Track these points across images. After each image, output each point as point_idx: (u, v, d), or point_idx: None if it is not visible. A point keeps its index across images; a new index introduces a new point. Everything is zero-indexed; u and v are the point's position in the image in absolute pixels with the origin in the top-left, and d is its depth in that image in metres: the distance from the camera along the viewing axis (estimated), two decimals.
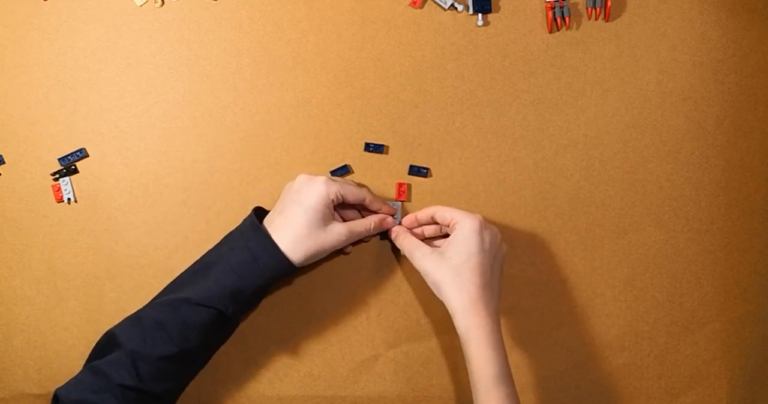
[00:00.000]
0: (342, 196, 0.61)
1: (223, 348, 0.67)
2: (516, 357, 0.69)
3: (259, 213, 0.64)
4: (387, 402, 0.68)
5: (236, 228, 0.63)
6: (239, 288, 0.59)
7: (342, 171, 0.67)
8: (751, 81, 0.69)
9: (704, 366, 0.70)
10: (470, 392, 0.60)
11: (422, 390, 0.68)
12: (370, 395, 0.68)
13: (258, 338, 0.68)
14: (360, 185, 0.67)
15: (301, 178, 0.62)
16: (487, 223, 0.62)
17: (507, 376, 0.58)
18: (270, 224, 0.61)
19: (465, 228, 0.61)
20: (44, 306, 0.68)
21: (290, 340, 0.68)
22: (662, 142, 0.69)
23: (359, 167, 0.68)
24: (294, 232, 0.60)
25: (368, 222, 0.64)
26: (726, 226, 0.70)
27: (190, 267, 0.63)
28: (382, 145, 0.68)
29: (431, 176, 0.68)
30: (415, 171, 0.68)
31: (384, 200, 0.67)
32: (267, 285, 0.61)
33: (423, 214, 0.66)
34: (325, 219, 0.61)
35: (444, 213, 0.63)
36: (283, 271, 0.60)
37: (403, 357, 0.68)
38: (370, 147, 0.67)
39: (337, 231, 0.61)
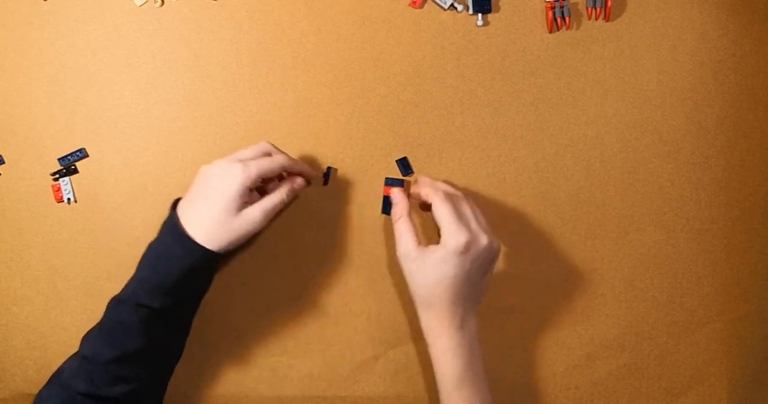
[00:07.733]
0: (260, 176, 0.59)
1: (223, 348, 0.67)
2: (516, 357, 0.69)
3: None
4: (387, 403, 0.68)
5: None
6: (157, 282, 0.58)
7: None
8: (751, 81, 0.69)
9: (704, 366, 0.70)
10: None
11: (422, 390, 0.68)
12: (370, 395, 0.68)
13: (258, 338, 0.68)
14: (277, 151, 0.64)
15: (217, 167, 0.59)
16: (479, 238, 0.59)
17: (471, 378, 0.59)
18: (183, 215, 0.59)
19: (448, 248, 0.58)
20: (44, 306, 0.68)
21: (290, 340, 0.68)
22: (662, 142, 0.69)
23: (358, 167, 0.68)
24: (205, 225, 0.58)
25: (280, 195, 0.61)
26: (726, 226, 0.70)
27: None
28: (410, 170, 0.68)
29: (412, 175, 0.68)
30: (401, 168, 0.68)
31: (302, 162, 0.65)
32: (189, 275, 0.58)
33: (424, 193, 0.63)
34: (239, 208, 0.58)
35: (437, 215, 0.60)
36: (200, 260, 0.58)
37: (403, 357, 0.68)
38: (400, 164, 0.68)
39: (252, 217, 0.59)
